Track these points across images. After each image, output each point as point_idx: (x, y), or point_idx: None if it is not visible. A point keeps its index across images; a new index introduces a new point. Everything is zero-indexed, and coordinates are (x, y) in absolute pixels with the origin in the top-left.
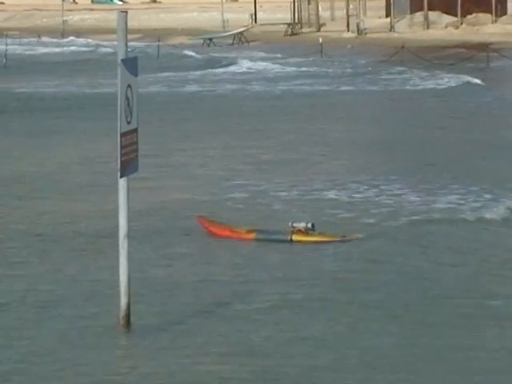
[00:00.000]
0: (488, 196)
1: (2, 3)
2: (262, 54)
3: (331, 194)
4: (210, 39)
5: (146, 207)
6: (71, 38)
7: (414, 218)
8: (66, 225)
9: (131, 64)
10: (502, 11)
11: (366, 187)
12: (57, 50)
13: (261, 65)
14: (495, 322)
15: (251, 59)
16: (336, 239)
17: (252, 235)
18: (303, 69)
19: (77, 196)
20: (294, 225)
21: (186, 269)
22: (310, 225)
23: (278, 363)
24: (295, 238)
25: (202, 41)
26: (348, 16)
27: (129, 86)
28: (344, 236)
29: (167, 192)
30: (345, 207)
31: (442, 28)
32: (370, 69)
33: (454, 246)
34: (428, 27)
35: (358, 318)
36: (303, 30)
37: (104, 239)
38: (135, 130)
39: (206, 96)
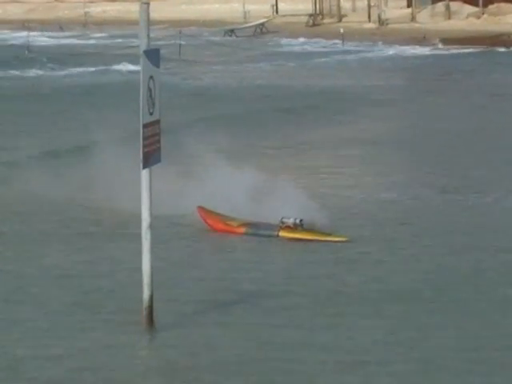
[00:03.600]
0: None
1: None
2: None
3: None
4: (232, 30)
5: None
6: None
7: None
8: None
9: (153, 55)
10: None
11: None
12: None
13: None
14: None
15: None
16: (321, 238)
17: (242, 229)
18: None
19: None
20: (284, 220)
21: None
22: (298, 220)
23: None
24: (282, 233)
25: (223, 32)
26: (369, 6)
27: (151, 77)
28: (329, 234)
29: None
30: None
31: (464, 18)
32: None
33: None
34: (449, 17)
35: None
36: (324, 20)
37: None
38: (157, 122)
39: None
